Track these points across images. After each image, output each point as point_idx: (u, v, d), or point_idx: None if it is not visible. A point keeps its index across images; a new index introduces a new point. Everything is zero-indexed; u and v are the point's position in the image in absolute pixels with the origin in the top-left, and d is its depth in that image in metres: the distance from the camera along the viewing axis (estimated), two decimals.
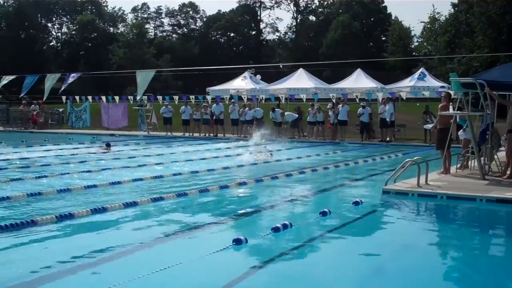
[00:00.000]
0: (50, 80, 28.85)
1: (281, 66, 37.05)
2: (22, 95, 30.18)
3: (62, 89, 28.94)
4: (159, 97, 27.59)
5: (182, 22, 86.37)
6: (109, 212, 7.94)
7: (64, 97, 29.70)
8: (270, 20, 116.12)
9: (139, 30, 71.32)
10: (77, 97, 29.50)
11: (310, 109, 23.65)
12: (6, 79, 30.29)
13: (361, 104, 22.66)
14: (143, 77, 26.61)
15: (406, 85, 22.60)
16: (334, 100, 23.64)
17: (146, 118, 27.41)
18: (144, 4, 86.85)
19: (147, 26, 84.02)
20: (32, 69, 44.88)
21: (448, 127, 11.42)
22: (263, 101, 26.70)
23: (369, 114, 22.37)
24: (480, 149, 11.33)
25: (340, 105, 22.77)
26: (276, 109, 24.25)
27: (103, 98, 29.47)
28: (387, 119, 21.98)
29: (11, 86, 31.54)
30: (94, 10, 78.53)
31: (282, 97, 25.05)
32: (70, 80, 28.74)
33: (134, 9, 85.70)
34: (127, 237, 6.78)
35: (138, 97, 27.13)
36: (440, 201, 9.08)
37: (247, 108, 24.46)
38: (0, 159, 14.64)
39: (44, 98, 28.77)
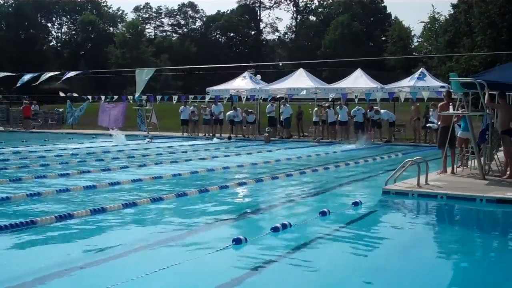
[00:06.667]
0: (48, 75, 28.67)
1: (280, 64, 37.07)
2: (18, 84, 29.97)
3: (61, 81, 28.82)
4: (158, 97, 27.52)
5: (181, 22, 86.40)
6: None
7: (61, 93, 29.61)
8: (269, 20, 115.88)
9: (135, 29, 71.04)
10: (75, 94, 29.49)
11: (316, 109, 23.56)
12: (2, 74, 30.03)
13: (357, 106, 22.60)
14: (141, 75, 26.49)
15: (406, 85, 22.57)
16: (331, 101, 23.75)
17: (146, 118, 27.38)
18: (146, 4, 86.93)
19: (147, 26, 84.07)
20: (32, 69, 44.72)
21: (450, 125, 11.40)
22: (260, 100, 26.72)
23: (363, 114, 22.33)
24: (480, 149, 11.32)
25: (338, 107, 22.86)
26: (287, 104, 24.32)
27: (103, 97, 29.42)
28: (385, 121, 22.16)
29: (11, 86, 31.35)
30: (94, 11, 78.41)
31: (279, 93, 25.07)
32: (68, 75, 28.66)
33: (136, 9, 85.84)
34: (126, 236, 6.79)
35: (136, 95, 27.01)
36: (440, 201, 9.08)
37: (240, 110, 24.70)
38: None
39: (38, 82, 28.58)
